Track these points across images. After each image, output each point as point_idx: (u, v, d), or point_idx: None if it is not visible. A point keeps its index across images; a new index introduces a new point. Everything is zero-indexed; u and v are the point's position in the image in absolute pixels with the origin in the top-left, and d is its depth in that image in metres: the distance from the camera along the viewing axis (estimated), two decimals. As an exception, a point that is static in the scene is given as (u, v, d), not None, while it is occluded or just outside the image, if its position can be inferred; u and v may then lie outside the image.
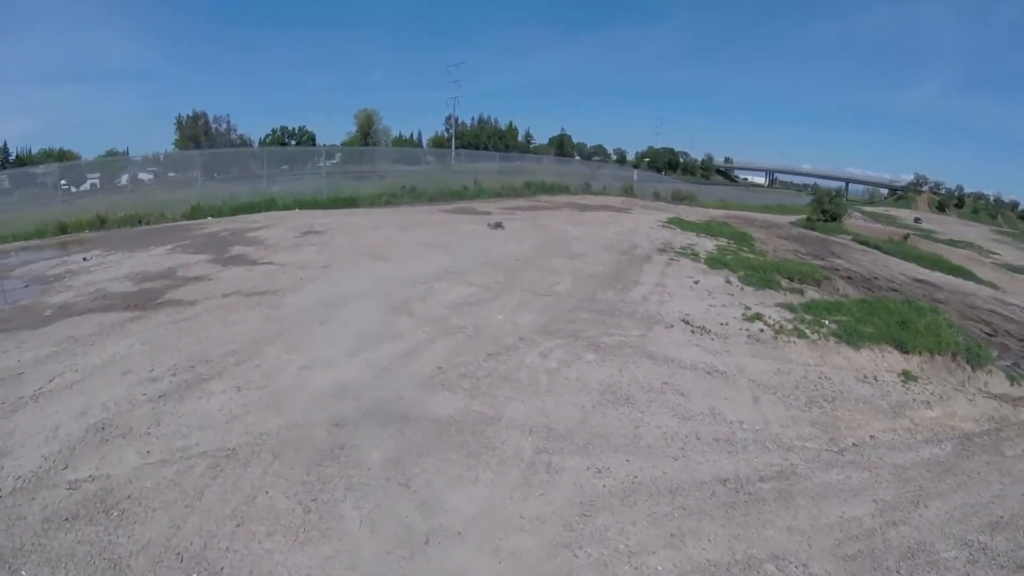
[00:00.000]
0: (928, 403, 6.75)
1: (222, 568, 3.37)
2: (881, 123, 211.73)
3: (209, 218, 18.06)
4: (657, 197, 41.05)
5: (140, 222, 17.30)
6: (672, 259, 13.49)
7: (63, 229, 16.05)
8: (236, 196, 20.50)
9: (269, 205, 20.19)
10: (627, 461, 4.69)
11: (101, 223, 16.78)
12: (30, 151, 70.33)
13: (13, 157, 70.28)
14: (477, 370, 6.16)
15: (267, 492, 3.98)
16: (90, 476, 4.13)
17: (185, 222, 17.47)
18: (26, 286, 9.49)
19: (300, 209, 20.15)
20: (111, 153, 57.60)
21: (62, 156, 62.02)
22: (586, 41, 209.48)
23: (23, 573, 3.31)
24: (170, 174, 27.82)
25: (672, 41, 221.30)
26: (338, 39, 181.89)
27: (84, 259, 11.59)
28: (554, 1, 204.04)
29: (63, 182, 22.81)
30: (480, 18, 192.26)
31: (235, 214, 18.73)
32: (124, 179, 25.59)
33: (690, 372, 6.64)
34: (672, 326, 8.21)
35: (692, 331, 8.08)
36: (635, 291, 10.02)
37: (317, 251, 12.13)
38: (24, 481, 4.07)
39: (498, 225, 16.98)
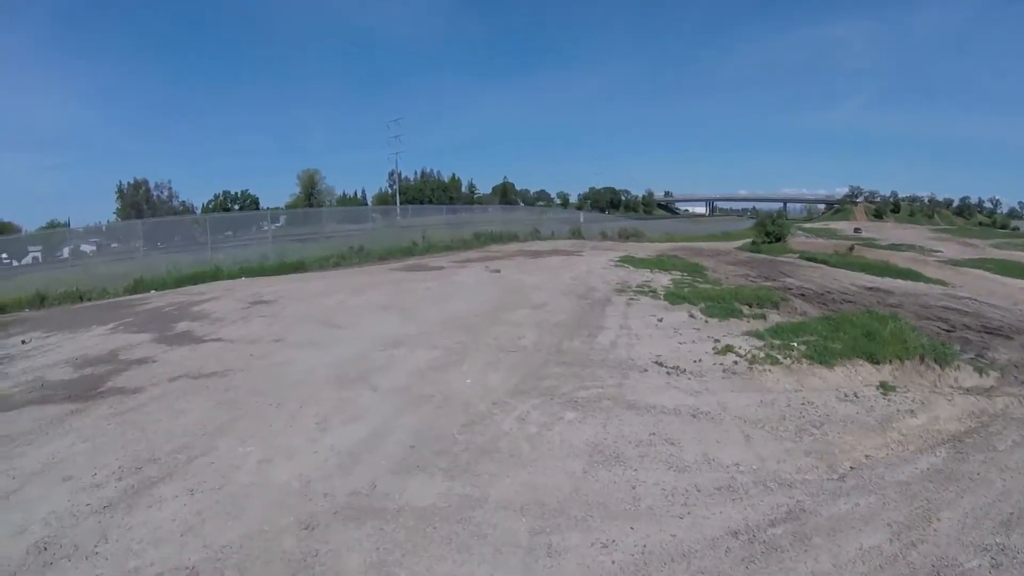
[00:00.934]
0: (912, 411, 6.71)
1: None
2: (811, 141, 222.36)
3: (152, 291, 17.35)
4: (604, 237, 41.73)
5: (82, 298, 16.68)
6: (632, 299, 13.40)
7: (1, 308, 15.37)
8: (180, 266, 20.00)
9: (214, 274, 19.58)
10: (632, 529, 4.33)
11: (41, 300, 16.21)
12: (-33, 224, 67.37)
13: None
14: (453, 445, 5.70)
15: (235, 622, 3.45)
16: (37, 611, 3.49)
17: (128, 297, 16.76)
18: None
19: (246, 277, 19.52)
20: (53, 224, 56.37)
21: (2, 229, 59.72)
22: (519, 89, 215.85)
23: None
24: (112, 245, 27.35)
25: (603, 82, 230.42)
26: (277, 101, 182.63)
27: (23, 342, 10.82)
28: (483, 52, 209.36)
29: (3, 256, 22.24)
30: (414, 74, 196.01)
31: (179, 286, 18.08)
32: (66, 251, 25.05)
33: (674, 417, 6.38)
34: (646, 370, 7.96)
35: (667, 373, 7.85)
36: (602, 337, 9.77)
37: (267, 323, 11.54)
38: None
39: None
